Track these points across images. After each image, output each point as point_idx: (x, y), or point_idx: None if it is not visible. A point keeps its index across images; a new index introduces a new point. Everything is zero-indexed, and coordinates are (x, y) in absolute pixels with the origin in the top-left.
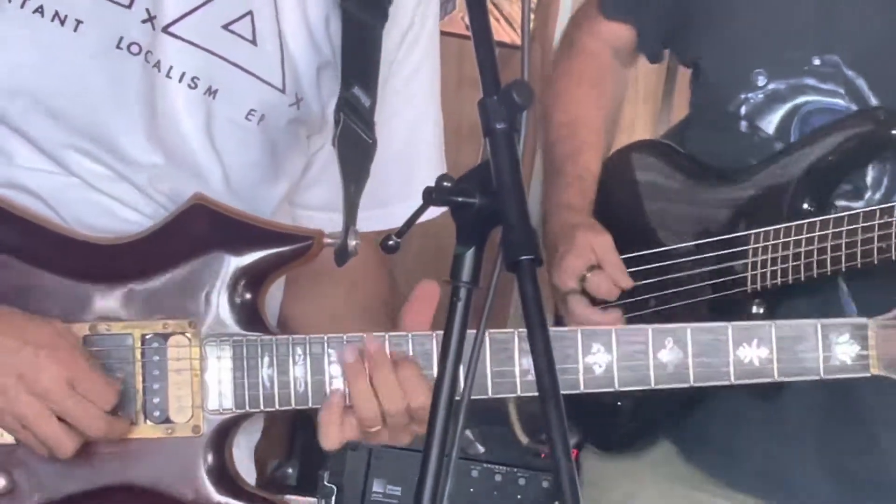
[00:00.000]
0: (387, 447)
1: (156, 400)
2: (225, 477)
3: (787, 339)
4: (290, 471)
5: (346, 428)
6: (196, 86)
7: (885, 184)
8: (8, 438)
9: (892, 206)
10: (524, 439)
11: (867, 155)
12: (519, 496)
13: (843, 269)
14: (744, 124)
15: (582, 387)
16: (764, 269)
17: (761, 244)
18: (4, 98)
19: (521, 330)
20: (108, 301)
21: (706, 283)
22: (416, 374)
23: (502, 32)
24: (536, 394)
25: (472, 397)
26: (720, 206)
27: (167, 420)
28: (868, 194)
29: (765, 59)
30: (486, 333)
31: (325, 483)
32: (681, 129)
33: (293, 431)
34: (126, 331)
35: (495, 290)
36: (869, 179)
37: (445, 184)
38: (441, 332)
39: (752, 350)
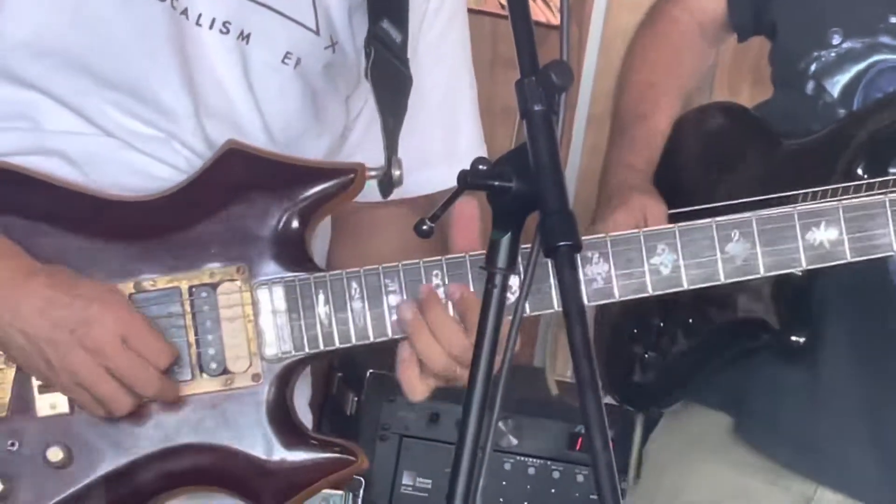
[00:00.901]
0: (416, 438)
1: (211, 351)
2: (290, 424)
3: (857, 219)
4: None
5: (429, 379)
6: (228, 31)
7: None
8: (62, 408)
9: None
10: (554, 390)
11: None
12: (553, 490)
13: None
14: (811, 85)
15: (650, 289)
16: None
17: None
18: (32, 60)
19: None
20: (150, 257)
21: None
22: (475, 305)
23: (538, 11)
24: None
25: None
26: (777, 167)
27: (225, 371)
28: None
29: (841, 17)
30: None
31: (354, 476)
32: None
33: (319, 423)
34: (172, 284)
35: (531, 277)
36: None
37: (481, 167)
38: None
39: (821, 233)
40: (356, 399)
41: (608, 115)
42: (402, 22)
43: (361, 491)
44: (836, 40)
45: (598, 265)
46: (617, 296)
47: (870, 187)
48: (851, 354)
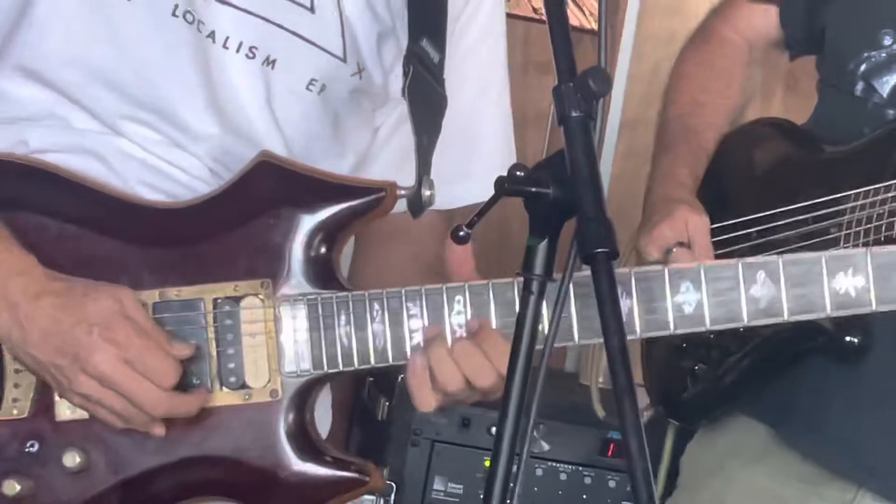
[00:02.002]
0: (447, 444)
1: (231, 365)
2: (306, 441)
3: (884, 267)
4: None
5: (439, 394)
6: (254, 56)
7: None
8: (81, 413)
9: None
10: (601, 413)
11: None
12: (585, 496)
13: None
14: (860, 86)
15: (672, 327)
16: (858, 228)
17: (859, 202)
18: (62, 69)
19: None
20: (176, 266)
21: (799, 244)
22: (501, 344)
23: (570, 15)
24: None
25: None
26: (824, 173)
27: (244, 385)
28: None
29: (892, 18)
30: None
31: (385, 481)
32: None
33: (350, 428)
34: (196, 296)
35: (569, 284)
36: None
37: (519, 173)
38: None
39: (847, 279)
40: (387, 404)
41: (640, 120)
42: (440, 41)
43: (393, 495)
44: (887, 41)
45: (621, 300)
46: (638, 332)
47: None
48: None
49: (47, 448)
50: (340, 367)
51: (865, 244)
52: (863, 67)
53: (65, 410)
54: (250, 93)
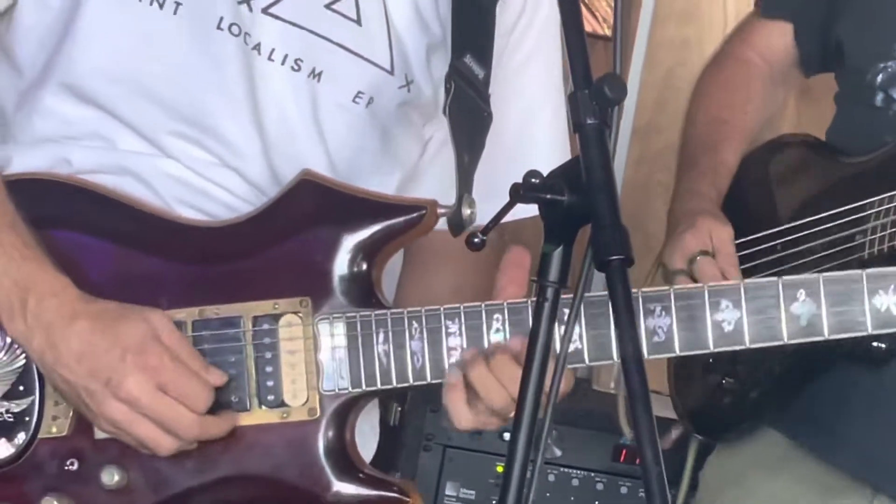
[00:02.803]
0: (459, 449)
1: (269, 383)
2: (345, 460)
3: None
4: None
5: (480, 412)
6: (299, 68)
7: None
8: None
9: None
10: (629, 432)
11: None
12: (597, 502)
13: None
14: (879, 97)
15: (711, 346)
16: (883, 233)
17: (884, 207)
18: (107, 84)
19: None
20: (217, 284)
21: (823, 253)
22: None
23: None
24: None
25: None
26: (847, 182)
27: (282, 404)
28: None
29: None
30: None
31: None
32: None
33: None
34: (236, 313)
35: (584, 290)
36: None
37: (534, 180)
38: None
39: (888, 297)
40: (399, 409)
41: (653, 127)
42: (485, 57)
43: None
44: None
45: (660, 318)
46: (677, 350)
47: None
48: None
49: (86, 466)
50: (378, 386)
51: (891, 248)
52: (880, 78)
53: None
54: (295, 105)
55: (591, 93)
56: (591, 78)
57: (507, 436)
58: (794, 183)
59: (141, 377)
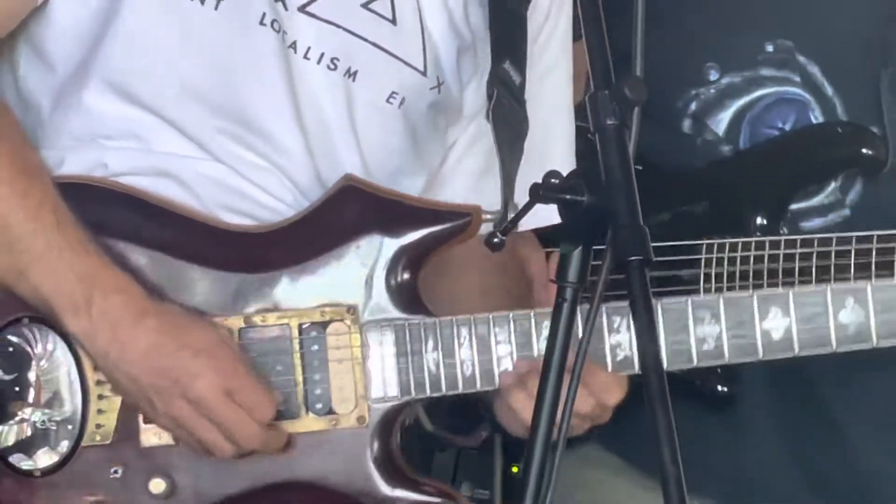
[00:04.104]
0: (474, 449)
1: (317, 391)
2: (393, 467)
3: None
4: None
5: None
6: (336, 67)
7: (856, 188)
8: (167, 439)
9: (851, 237)
10: (429, 426)
11: (832, 170)
12: None
13: None
14: (687, 123)
15: (761, 354)
16: (720, 284)
17: (715, 255)
18: (146, 82)
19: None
20: (262, 291)
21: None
22: (599, 374)
23: None
24: None
25: None
26: (671, 212)
27: (331, 411)
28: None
29: (716, 51)
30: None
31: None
32: None
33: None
34: (282, 321)
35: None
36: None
37: (553, 181)
38: (611, 304)
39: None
40: None
41: None
42: (521, 64)
43: None
44: (713, 76)
45: (710, 325)
46: (727, 357)
47: (774, 244)
48: (773, 398)
49: (132, 474)
50: (428, 393)
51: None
52: (693, 106)
53: (150, 437)
54: (332, 104)
55: (612, 94)
56: (612, 79)
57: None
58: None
59: (212, 378)
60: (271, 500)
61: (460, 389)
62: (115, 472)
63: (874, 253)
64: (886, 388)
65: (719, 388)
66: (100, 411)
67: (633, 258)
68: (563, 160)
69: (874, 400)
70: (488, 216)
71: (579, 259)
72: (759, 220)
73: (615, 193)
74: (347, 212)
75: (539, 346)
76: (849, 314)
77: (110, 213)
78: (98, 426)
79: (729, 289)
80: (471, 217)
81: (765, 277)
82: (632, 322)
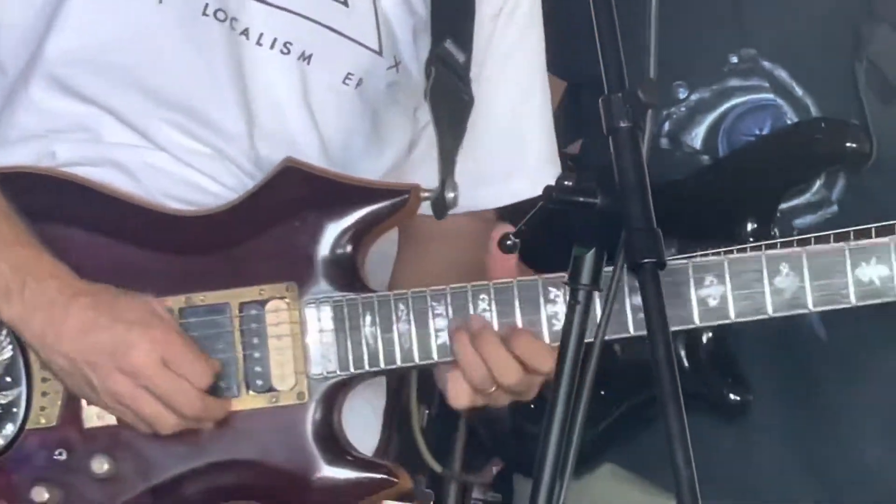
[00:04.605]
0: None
1: (257, 369)
2: (335, 444)
3: None
4: None
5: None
6: (289, 51)
7: (840, 184)
8: (109, 420)
9: (849, 232)
10: (437, 467)
11: (815, 168)
12: None
13: None
14: (664, 141)
15: (697, 321)
16: None
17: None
18: (94, 75)
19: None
20: (202, 272)
21: None
22: (531, 342)
23: None
24: None
25: None
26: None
27: (270, 389)
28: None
29: (681, 69)
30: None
31: (424, 489)
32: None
33: (389, 435)
34: (222, 300)
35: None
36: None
37: (567, 183)
38: (547, 277)
39: (871, 269)
40: (427, 412)
41: None
42: (465, 42)
43: (432, 503)
44: (682, 94)
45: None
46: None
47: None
48: (781, 401)
49: (76, 455)
50: (366, 368)
51: None
52: (666, 126)
53: (93, 417)
54: (287, 89)
55: (625, 96)
56: (625, 81)
57: None
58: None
59: (147, 348)
60: (214, 479)
61: (398, 363)
62: (60, 453)
63: None
64: None
65: (731, 396)
66: (44, 394)
67: (646, 260)
68: (540, 134)
69: (886, 406)
70: (426, 194)
71: (592, 261)
72: (749, 226)
73: (628, 196)
74: (287, 193)
75: None
76: (784, 280)
77: (54, 200)
78: (42, 409)
79: None
80: (408, 195)
81: None
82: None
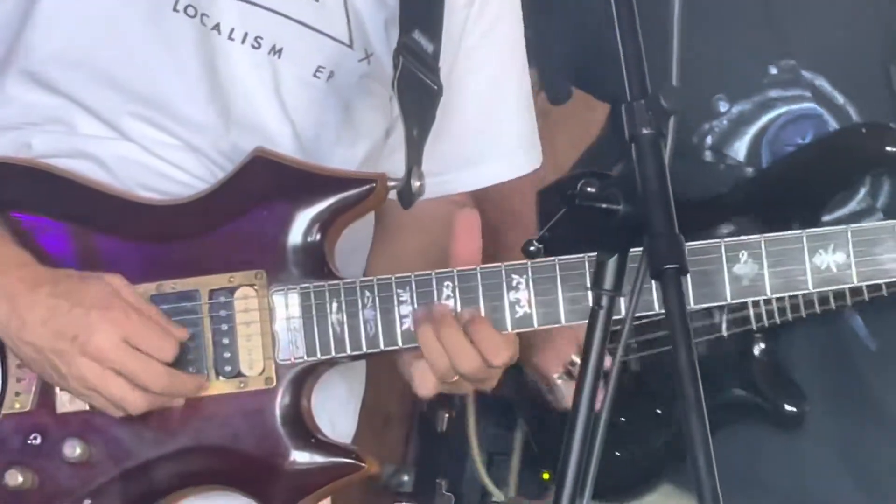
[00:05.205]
0: (506, 455)
1: (226, 355)
2: (302, 428)
3: (865, 243)
4: (405, 478)
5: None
6: (259, 45)
7: (885, 190)
8: (81, 405)
9: None
10: (497, 493)
11: (858, 173)
12: None
13: (850, 304)
14: (708, 154)
15: (657, 307)
16: (769, 307)
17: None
18: (66, 70)
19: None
20: (173, 260)
21: (701, 322)
22: (490, 333)
23: None
24: None
25: None
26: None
27: (239, 374)
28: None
29: (722, 82)
30: None
31: (444, 492)
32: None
33: (408, 437)
34: (193, 287)
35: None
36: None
37: (590, 189)
38: (509, 263)
39: (828, 256)
40: (447, 416)
41: None
42: (434, 32)
43: None
44: (723, 107)
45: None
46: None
47: None
48: (830, 408)
49: (49, 440)
50: (333, 354)
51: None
52: (709, 140)
53: (65, 403)
54: (258, 82)
55: (647, 103)
56: (647, 87)
57: None
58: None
59: (108, 329)
60: (184, 462)
61: (364, 349)
62: (34, 438)
63: None
64: None
65: (787, 407)
66: (19, 380)
67: (668, 266)
68: (516, 119)
69: None
70: (393, 183)
71: (615, 267)
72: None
73: (651, 202)
74: (256, 182)
75: None
76: (742, 267)
77: (27, 189)
78: (17, 394)
79: (780, 310)
80: (375, 184)
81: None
82: (532, 280)
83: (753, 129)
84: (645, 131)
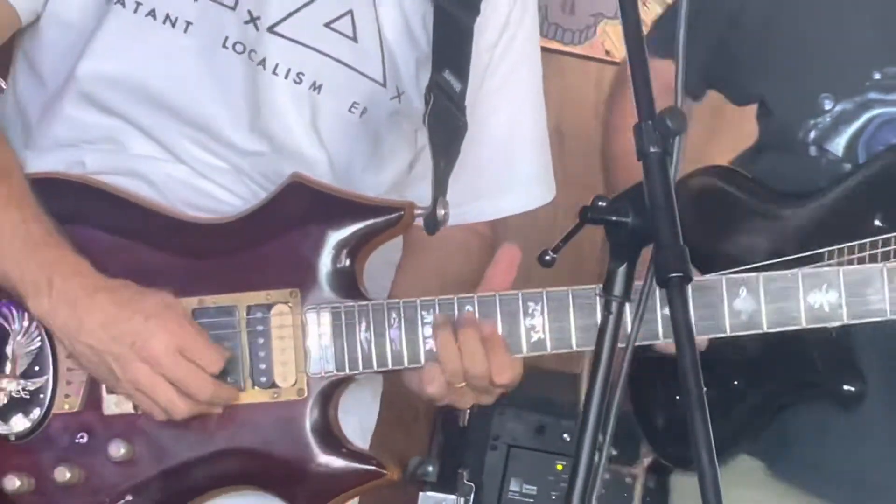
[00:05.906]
0: (523, 448)
1: (262, 367)
2: (329, 436)
3: (854, 284)
4: (430, 468)
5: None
6: (301, 81)
7: None
8: (128, 408)
9: None
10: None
11: None
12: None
13: None
14: (813, 149)
15: (661, 336)
16: None
17: (836, 260)
18: (122, 95)
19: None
20: (214, 276)
21: None
22: (501, 352)
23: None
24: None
25: None
26: (791, 228)
27: (273, 385)
28: None
29: (829, 82)
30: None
31: (465, 482)
32: (750, 155)
33: (433, 431)
34: (232, 303)
35: (644, 306)
36: None
37: (601, 203)
38: (526, 291)
39: (822, 295)
40: (468, 412)
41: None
42: (462, 72)
43: (472, 495)
44: (828, 105)
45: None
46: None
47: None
48: (891, 392)
49: (95, 439)
50: (360, 369)
51: None
52: (812, 135)
53: (112, 405)
54: (297, 115)
55: (655, 124)
56: (655, 110)
57: (566, 436)
58: (731, 223)
59: (164, 338)
60: (220, 464)
61: (389, 366)
62: (81, 437)
63: None
64: None
65: (845, 387)
66: (69, 382)
67: (673, 275)
68: (531, 156)
69: None
70: (420, 211)
71: (624, 275)
72: (876, 222)
73: (658, 215)
74: (293, 206)
75: None
76: (741, 302)
77: (82, 204)
78: (66, 396)
79: None
80: (403, 211)
81: None
82: (546, 308)
83: (852, 128)
84: (653, 150)
